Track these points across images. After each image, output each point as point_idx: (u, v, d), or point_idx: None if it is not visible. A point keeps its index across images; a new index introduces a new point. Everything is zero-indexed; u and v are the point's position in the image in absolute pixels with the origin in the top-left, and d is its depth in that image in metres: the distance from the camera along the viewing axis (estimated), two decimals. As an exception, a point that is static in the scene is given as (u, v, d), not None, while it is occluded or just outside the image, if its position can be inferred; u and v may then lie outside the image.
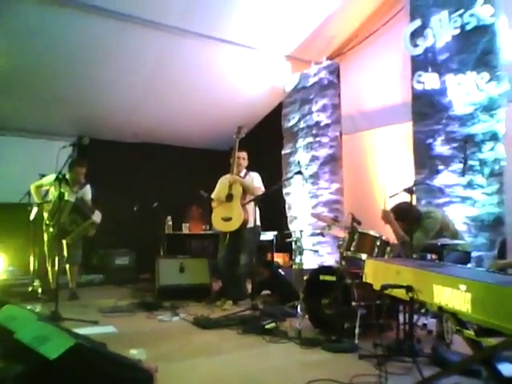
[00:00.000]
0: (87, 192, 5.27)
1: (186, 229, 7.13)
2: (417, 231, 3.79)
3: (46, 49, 5.34)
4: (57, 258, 4.61)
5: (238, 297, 4.97)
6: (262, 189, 5.02)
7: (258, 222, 5.06)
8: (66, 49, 5.41)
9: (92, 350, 2.11)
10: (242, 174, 5.19)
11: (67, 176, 5.03)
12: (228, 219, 4.94)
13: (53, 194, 5.06)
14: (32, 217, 5.09)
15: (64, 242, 5.02)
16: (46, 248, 5.17)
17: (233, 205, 4.94)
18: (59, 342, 1.97)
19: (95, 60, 5.68)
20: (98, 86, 6.14)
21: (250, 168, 5.27)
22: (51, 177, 4.89)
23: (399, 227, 3.96)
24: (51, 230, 5.01)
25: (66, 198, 4.73)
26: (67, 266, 5.22)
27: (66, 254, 5.12)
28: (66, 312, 4.14)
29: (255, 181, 5.08)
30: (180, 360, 3.13)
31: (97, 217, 5.02)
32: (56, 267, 4.71)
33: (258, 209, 4.89)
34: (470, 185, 4.52)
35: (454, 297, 2.02)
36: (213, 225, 5.21)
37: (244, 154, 5.17)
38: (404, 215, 3.81)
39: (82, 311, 4.54)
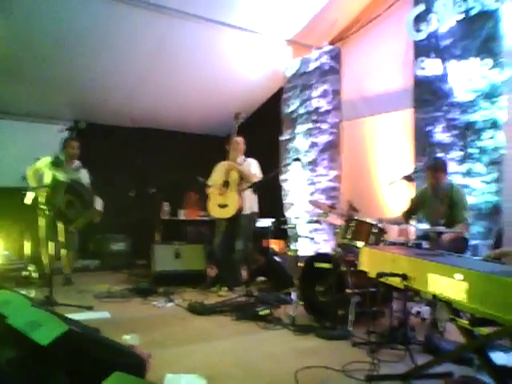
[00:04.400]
0: (84, 176, 5.21)
1: (182, 215, 7.10)
2: (455, 208, 3.74)
3: (44, 32, 5.24)
4: (52, 244, 4.56)
5: (234, 283, 4.97)
6: (259, 175, 4.97)
7: (256, 209, 5.03)
8: (64, 32, 5.29)
9: (84, 335, 2.10)
10: (240, 160, 5.14)
11: (61, 157, 4.99)
12: (224, 206, 4.91)
13: (47, 177, 5.01)
14: (29, 201, 5.04)
15: (61, 226, 4.97)
16: (40, 233, 5.13)
17: (229, 191, 4.91)
18: (52, 328, 1.96)
19: (93, 43, 5.58)
20: (96, 69, 6.03)
21: (248, 154, 5.23)
22: (46, 159, 4.84)
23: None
24: (47, 213, 4.96)
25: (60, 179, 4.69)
26: (64, 252, 5.18)
27: (62, 239, 5.08)
28: (60, 297, 4.13)
29: (252, 167, 5.03)
30: (174, 346, 3.13)
31: (98, 204, 4.98)
32: (52, 252, 4.67)
33: (255, 196, 4.86)
34: (468, 173, 4.49)
35: (449, 286, 2.00)
36: (209, 211, 5.18)
37: (240, 139, 5.12)
38: (445, 167, 3.89)
39: (77, 296, 4.54)
